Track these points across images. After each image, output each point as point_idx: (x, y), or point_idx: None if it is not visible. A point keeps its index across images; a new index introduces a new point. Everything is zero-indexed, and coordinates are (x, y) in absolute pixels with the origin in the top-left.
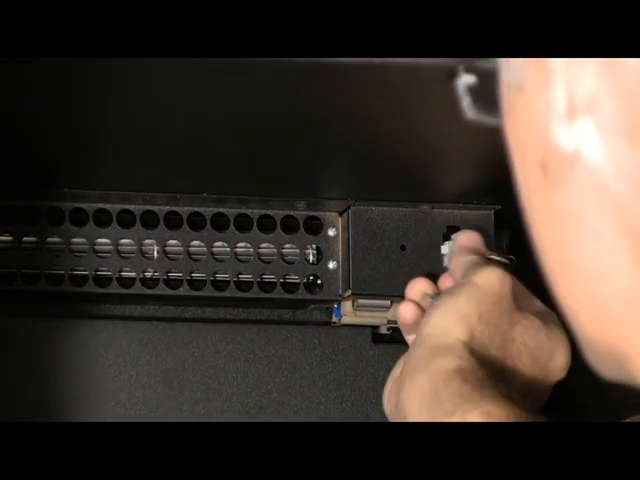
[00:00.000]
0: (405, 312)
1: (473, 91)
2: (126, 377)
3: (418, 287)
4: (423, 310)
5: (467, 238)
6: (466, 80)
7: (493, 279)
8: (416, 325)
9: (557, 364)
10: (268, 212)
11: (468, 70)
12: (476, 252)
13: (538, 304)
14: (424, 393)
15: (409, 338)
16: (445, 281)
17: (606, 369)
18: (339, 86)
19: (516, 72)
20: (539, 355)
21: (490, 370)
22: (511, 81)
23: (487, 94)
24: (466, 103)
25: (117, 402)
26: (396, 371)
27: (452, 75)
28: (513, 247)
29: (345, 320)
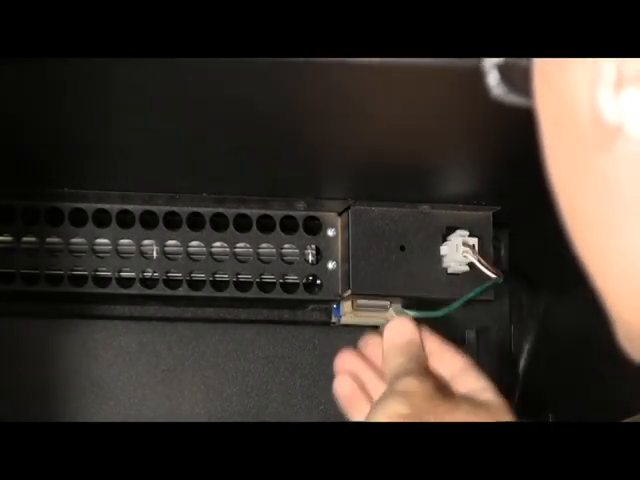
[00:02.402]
0: (341, 386)
1: (500, 68)
2: (126, 377)
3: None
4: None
5: (397, 333)
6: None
7: (414, 386)
8: (357, 401)
9: None
10: (267, 212)
11: None
12: (409, 348)
13: (472, 381)
14: None
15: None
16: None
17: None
18: (339, 86)
19: None
20: None
21: None
22: None
23: (515, 70)
24: (493, 81)
25: (117, 402)
26: None
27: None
28: (512, 248)
29: (344, 320)
